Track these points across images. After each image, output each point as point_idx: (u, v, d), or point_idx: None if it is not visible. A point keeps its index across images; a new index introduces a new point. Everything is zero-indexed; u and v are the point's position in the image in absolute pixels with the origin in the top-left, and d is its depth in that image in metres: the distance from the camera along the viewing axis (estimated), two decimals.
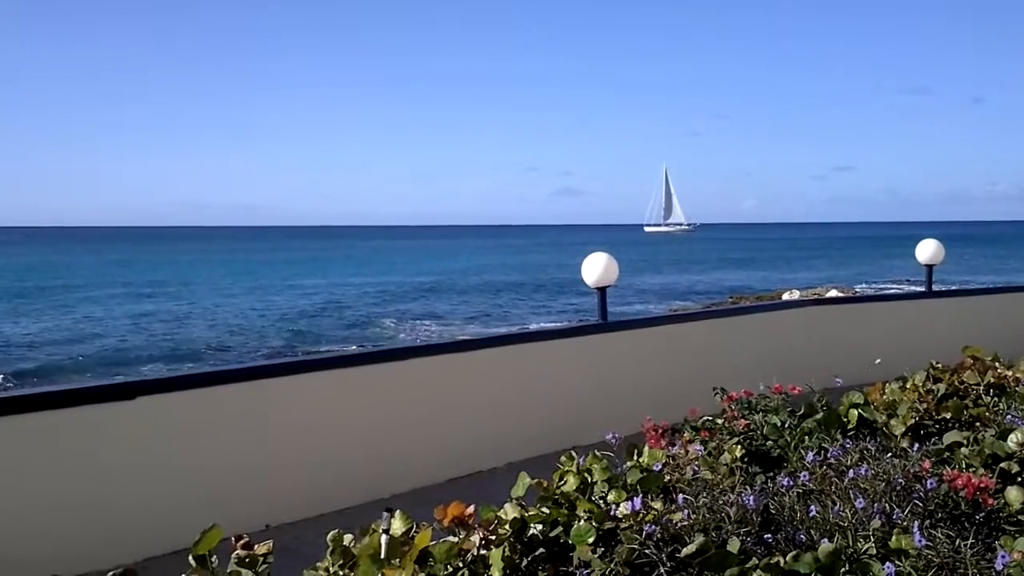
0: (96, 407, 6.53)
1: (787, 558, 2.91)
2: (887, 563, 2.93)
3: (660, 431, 4.47)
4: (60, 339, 39.14)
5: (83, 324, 44.68)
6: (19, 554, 5.93)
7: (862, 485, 3.53)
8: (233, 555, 2.87)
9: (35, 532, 6.15)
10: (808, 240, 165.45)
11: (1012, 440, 4.14)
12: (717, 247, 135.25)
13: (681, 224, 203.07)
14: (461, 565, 3.01)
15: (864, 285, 59.28)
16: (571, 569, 3.07)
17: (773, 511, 3.43)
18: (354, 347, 32.85)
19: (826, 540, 3.10)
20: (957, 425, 4.94)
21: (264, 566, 2.86)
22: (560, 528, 3.21)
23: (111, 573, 2.59)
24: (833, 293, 41.32)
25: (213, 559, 2.84)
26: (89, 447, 6.47)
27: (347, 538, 3.14)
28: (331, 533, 3.14)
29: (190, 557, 2.84)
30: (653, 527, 3.07)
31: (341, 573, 2.97)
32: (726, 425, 4.69)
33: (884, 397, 5.28)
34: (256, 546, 2.90)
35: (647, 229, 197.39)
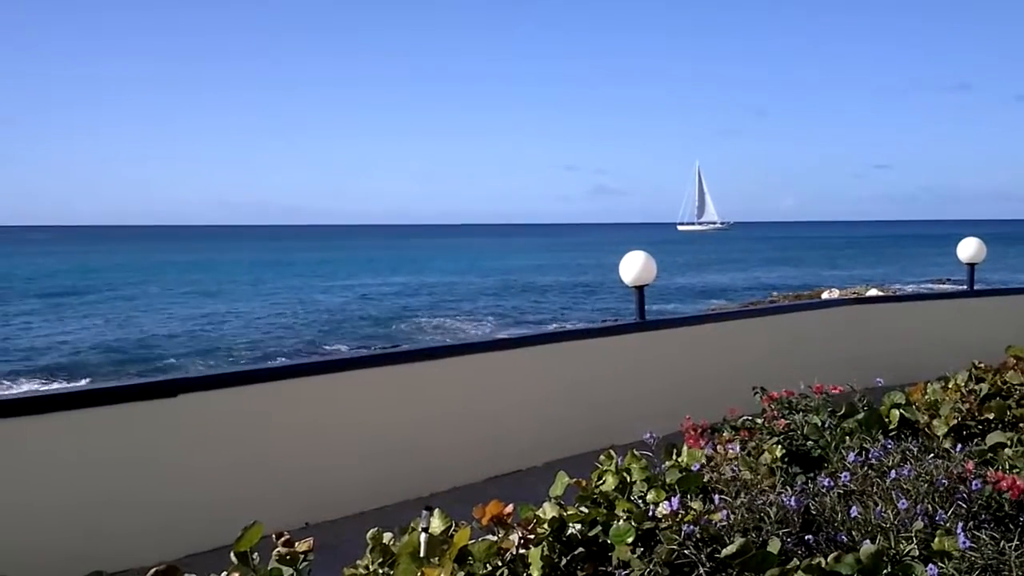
0: (139, 404, 6.59)
1: (828, 559, 2.89)
2: (930, 565, 2.90)
3: (699, 431, 4.45)
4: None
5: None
6: (63, 550, 6.00)
7: (904, 486, 3.50)
8: (274, 552, 2.89)
9: (79, 528, 6.22)
10: (847, 238, 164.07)
11: None
12: (754, 245, 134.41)
13: (715, 222, 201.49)
14: (500, 564, 3.01)
15: (904, 284, 58.72)
16: (610, 569, 3.06)
17: (814, 512, 3.40)
18: (393, 346, 32.96)
19: (868, 541, 3.07)
20: (1000, 426, 4.88)
21: (304, 563, 2.88)
22: (599, 528, 3.20)
23: (154, 569, 2.61)
24: (873, 292, 40.97)
25: (254, 556, 2.86)
26: (132, 444, 6.53)
27: (387, 536, 3.15)
28: (371, 531, 3.15)
29: (231, 554, 2.85)
30: (692, 527, 3.05)
31: (381, 571, 2.98)
32: (766, 425, 4.66)
33: (926, 397, 5.23)
34: (297, 543, 2.91)
35: (680, 228, 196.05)
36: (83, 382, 27.33)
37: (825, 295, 40.30)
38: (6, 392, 20.47)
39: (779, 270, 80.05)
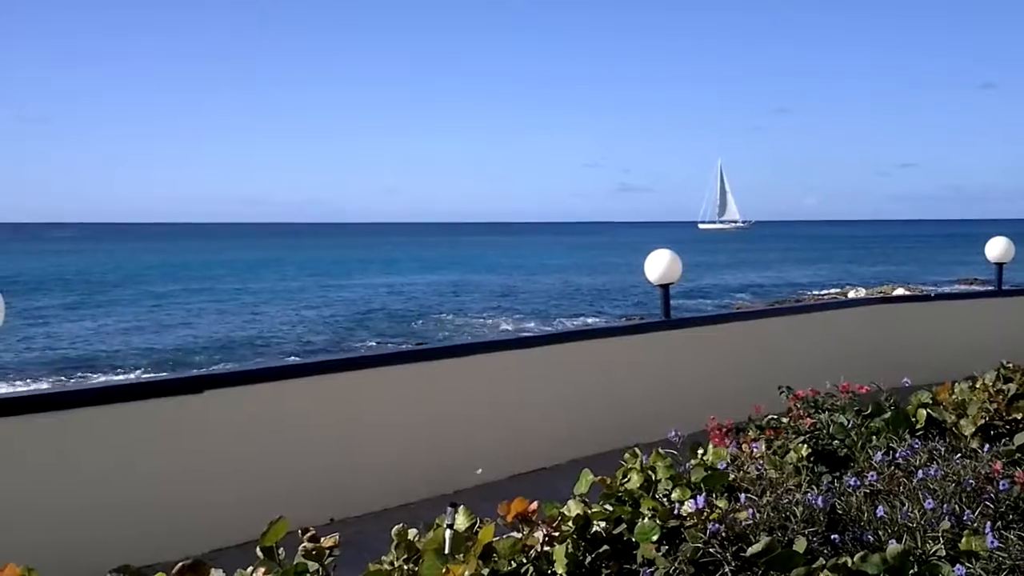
0: (165, 400, 6.63)
1: (855, 558, 2.88)
2: (957, 565, 2.89)
3: (724, 429, 4.44)
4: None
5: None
6: (90, 545, 6.04)
7: (931, 486, 3.48)
8: (300, 547, 2.90)
9: (106, 523, 6.26)
10: (872, 237, 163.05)
11: None
12: (778, 244, 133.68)
13: (736, 221, 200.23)
14: (525, 561, 3.02)
15: (931, 283, 58.36)
16: (635, 567, 3.06)
17: (840, 511, 3.39)
18: (418, 343, 33.07)
19: (894, 541, 3.06)
20: None
21: (330, 559, 2.89)
22: (624, 525, 3.20)
23: (180, 564, 2.63)
24: (899, 291, 40.74)
25: (280, 551, 2.87)
26: (158, 440, 6.57)
27: (412, 532, 3.16)
28: (396, 527, 3.16)
29: (257, 549, 2.87)
30: (718, 526, 3.05)
31: (406, 567, 2.98)
32: (792, 424, 4.64)
33: (953, 397, 5.19)
34: (322, 539, 2.92)
35: (701, 226, 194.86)
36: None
37: (851, 294, 40.13)
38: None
39: (804, 269, 79.67)
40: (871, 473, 3.69)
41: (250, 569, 2.80)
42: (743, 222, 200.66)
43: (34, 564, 2.54)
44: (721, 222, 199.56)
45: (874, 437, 4.45)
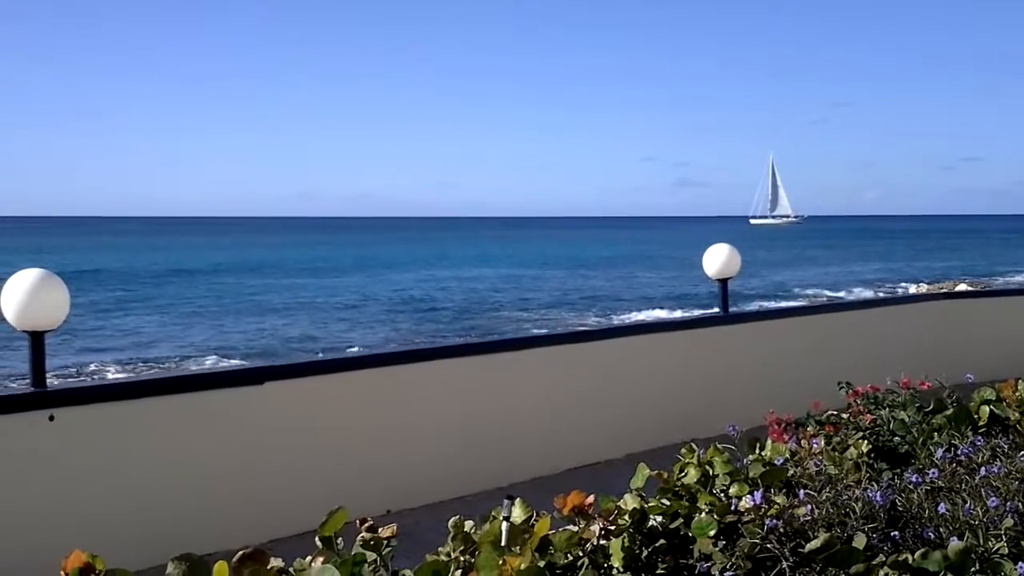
0: (226, 391, 6.72)
1: (915, 556, 2.84)
2: (1020, 563, 2.84)
3: (783, 425, 4.41)
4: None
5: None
6: (150, 533, 6.14)
7: (994, 483, 3.43)
8: (358, 537, 2.92)
9: (167, 511, 6.36)
10: (935, 232, 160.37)
11: None
12: (834, 239, 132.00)
13: (788, 216, 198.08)
14: (581, 554, 3.02)
15: (997, 279, 57.41)
16: (691, 561, 3.05)
17: (900, 508, 3.35)
18: (477, 336, 33.15)
19: (955, 539, 3.02)
20: None
21: (388, 549, 2.90)
22: (680, 520, 3.19)
23: (241, 552, 2.65)
24: (963, 287, 40.14)
25: (339, 541, 2.90)
26: (218, 431, 6.66)
27: (468, 524, 3.17)
28: (452, 519, 3.17)
29: (316, 538, 2.89)
30: (776, 521, 3.02)
31: (462, 559, 3.00)
32: (851, 420, 4.60)
33: (1017, 394, 5.11)
34: (380, 529, 2.94)
35: (753, 221, 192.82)
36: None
37: (912, 290, 39.61)
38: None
39: (863, 264, 78.70)
40: (932, 470, 3.64)
41: (308, 558, 2.83)
42: (795, 217, 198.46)
43: (97, 551, 2.58)
44: (773, 217, 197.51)
45: (935, 434, 4.40)
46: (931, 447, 4.14)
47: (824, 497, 3.35)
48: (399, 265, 78.34)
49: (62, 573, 2.53)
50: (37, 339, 6.26)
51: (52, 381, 6.86)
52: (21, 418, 6.12)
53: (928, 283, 48.11)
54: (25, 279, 6.13)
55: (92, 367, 29.30)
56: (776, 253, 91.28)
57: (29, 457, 6.10)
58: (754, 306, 41.20)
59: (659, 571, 3.06)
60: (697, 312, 32.83)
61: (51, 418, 6.11)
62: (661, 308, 46.45)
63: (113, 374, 27.14)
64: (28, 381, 6.35)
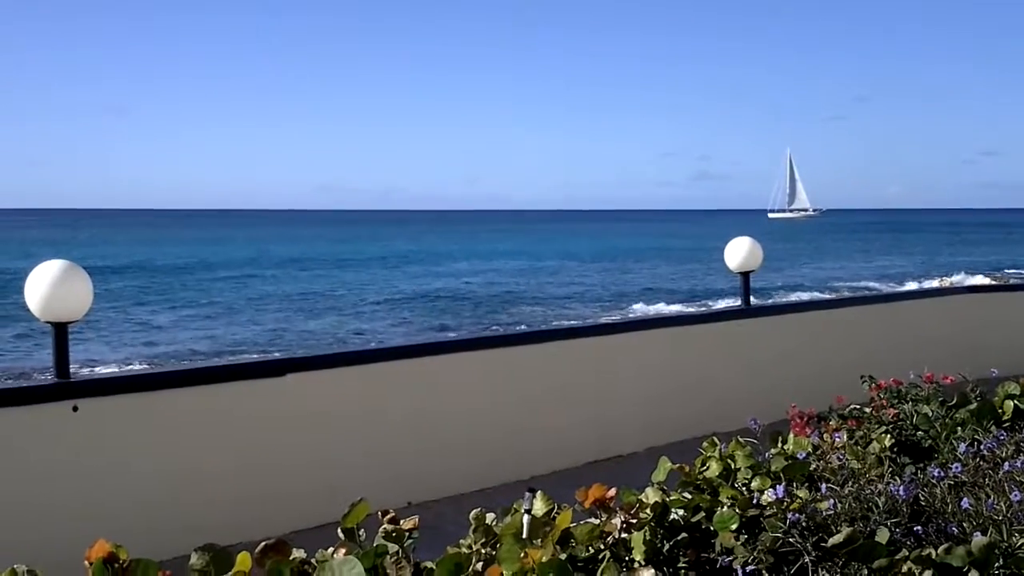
0: (247, 383, 6.75)
1: (939, 551, 2.83)
2: None
3: (805, 419, 4.39)
4: None
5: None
6: (172, 524, 6.17)
7: (1017, 478, 3.42)
8: (380, 529, 2.93)
9: (189, 501, 6.40)
10: (956, 225, 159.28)
11: None
12: (854, 233, 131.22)
13: (806, 210, 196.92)
14: (602, 547, 3.02)
15: (1019, 273, 57.03)
16: (713, 555, 3.05)
17: (923, 502, 3.34)
18: (497, 329, 33.14)
19: (979, 533, 3.00)
20: None
21: (409, 541, 2.91)
22: (702, 514, 3.18)
23: (263, 544, 2.67)
24: (982, 280, 39.91)
25: (360, 532, 2.90)
26: (239, 422, 6.69)
27: (489, 517, 3.17)
28: (474, 511, 3.18)
29: (339, 530, 2.90)
30: (797, 515, 3.02)
31: (484, 551, 3.00)
32: (874, 414, 4.58)
33: None
34: (402, 521, 2.95)
35: (771, 215, 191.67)
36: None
37: (935, 283, 39.41)
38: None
39: (883, 258, 78.29)
40: (956, 464, 3.63)
41: (331, 550, 2.84)
42: (813, 210, 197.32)
43: (121, 541, 2.60)
44: (790, 210, 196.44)
45: (959, 428, 4.38)
46: (954, 441, 4.12)
47: (847, 491, 3.34)
48: (421, 258, 78.42)
49: (86, 562, 2.54)
50: (61, 330, 6.30)
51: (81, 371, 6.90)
52: (45, 409, 6.16)
53: (948, 277, 47.83)
54: (49, 271, 6.17)
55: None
56: (793, 246, 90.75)
57: (53, 447, 6.15)
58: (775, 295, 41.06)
59: (680, 565, 3.06)
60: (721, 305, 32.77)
61: (75, 409, 6.16)
62: (680, 301, 46.39)
63: (138, 366, 27.31)
64: (53, 372, 6.39)
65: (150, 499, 6.32)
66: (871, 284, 52.08)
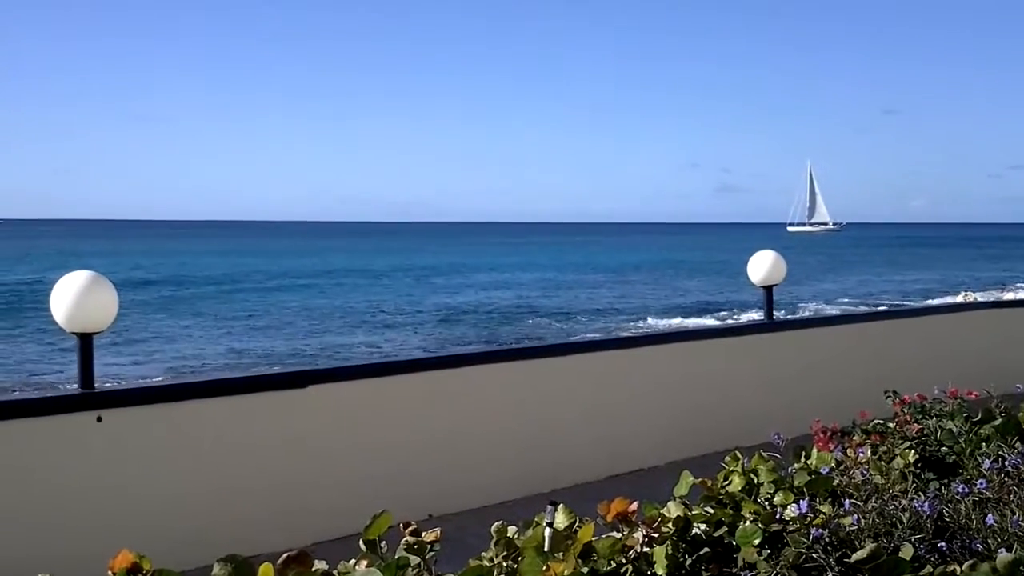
0: (269, 394, 6.77)
1: (963, 567, 2.81)
2: None
3: (828, 433, 4.37)
4: None
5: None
6: (194, 534, 6.20)
7: None
8: (402, 541, 2.93)
9: (211, 513, 6.42)
10: (981, 240, 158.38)
11: None
12: (875, 247, 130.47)
13: (826, 224, 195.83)
14: (624, 561, 3.01)
15: None
16: (735, 570, 3.03)
17: (947, 518, 3.32)
18: (518, 342, 33.13)
19: (1004, 550, 2.98)
20: None
21: (431, 553, 2.91)
22: (725, 528, 3.17)
23: (286, 555, 2.67)
24: (1009, 296, 39.66)
25: (382, 544, 2.91)
26: (261, 434, 6.71)
27: (511, 530, 3.17)
28: (495, 524, 3.18)
29: (360, 541, 2.91)
30: (821, 531, 3.00)
31: (505, 564, 3.00)
32: (898, 429, 4.56)
33: None
34: (424, 534, 2.95)
35: (790, 229, 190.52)
36: None
37: (960, 298, 39.17)
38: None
39: (904, 273, 77.86)
40: (980, 480, 3.60)
41: (352, 561, 2.84)
42: (833, 224, 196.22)
43: (144, 551, 2.61)
44: (810, 224, 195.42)
45: (983, 444, 4.34)
46: (979, 457, 4.09)
47: (870, 507, 3.32)
48: (442, 271, 78.51)
49: (110, 572, 2.56)
50: (86, 341, 6.34)
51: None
52: (70, 419, 6.20)
53: (975, 292, 47.49)
54: (74, 281, 6.21)
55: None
56: (813, 259, 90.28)
57: (77, 457, 6.18)
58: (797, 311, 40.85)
59: None
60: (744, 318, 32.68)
61: (99, 419, 6.20)
62: (702, 315, 46.30)
63: (161, 377, 27.46)
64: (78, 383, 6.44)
65: (173, 509, 6.35)
66: (892, 300, 51.83)
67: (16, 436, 6.03)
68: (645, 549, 3.06)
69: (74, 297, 6.17)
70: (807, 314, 37.67)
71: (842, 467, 3.89)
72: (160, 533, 6.08)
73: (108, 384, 7.33)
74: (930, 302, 41.19)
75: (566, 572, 2.73)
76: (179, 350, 35.06)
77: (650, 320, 44.85)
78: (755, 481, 3.62)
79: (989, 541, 3.15)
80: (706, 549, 3.12)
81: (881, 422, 4.74)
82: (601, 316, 47.10)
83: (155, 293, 56.54)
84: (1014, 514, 3.24)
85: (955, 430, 4.50)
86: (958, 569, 2.81)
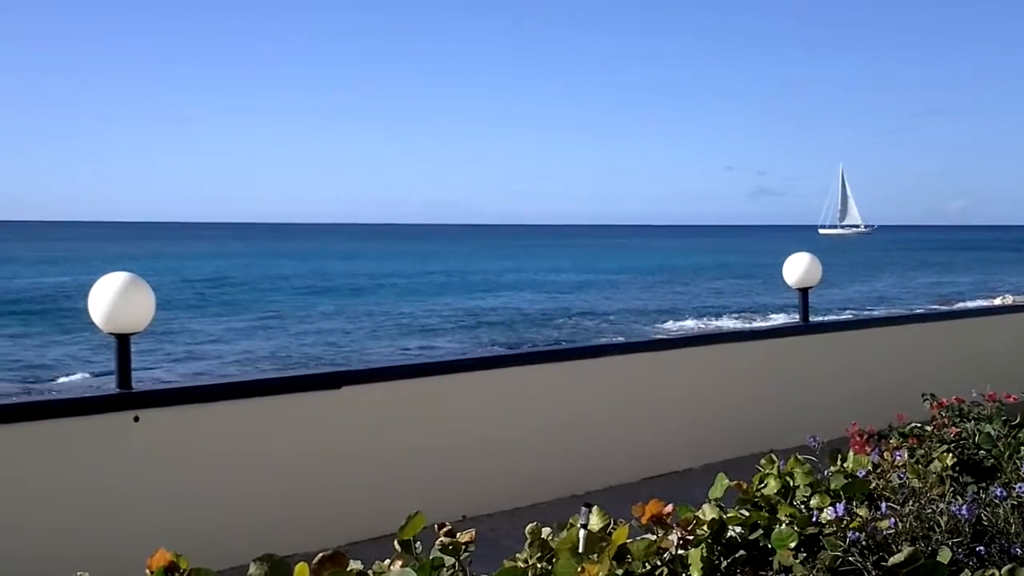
0: (303, 396, 6.80)
1: (1002, 571, 2.79)
2: None
3: (865, 436, 4.35)
4: None
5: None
6: (230, 533, 6.23)
7: None
8: (437, 542, 2.94)
9: (246, 512, 6.46)
10: (1020, 243, 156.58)
11: None
12: (907, 250, 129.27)
13: (857, 226, 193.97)
14: (659, 563, 3.00)
15: None
16: (771, 573, 3.02)
17: (985, 522, 3.29)
18: (552, 344, 33.10)
19: None
20: None
21: (466, 554, 2.91)
22: (760, 531, 3.16)
23: (321, 555, 2.68)
24: None
25: (417, 545, 2.91)
26: (295, 435, 6.75)
27: (545, 531, 3.17)
28: (529, 526, 3.17)
29: (395, 542, 2.91)
30: (858, 534, 2.98)
31: (539, 565, 3.00)
32: (935, 432, 4.52)
33: None
34: (458, 534, 2.96)
35: (821, 231, 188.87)
36: None
37: (998, 301, 38.79)
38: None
39: (944, 275, 77.16)
40: (1019, 484, 3.57)
41: (387, 562, 2.85)
42: (865, 227, 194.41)
43: (180, 550, 2.63)
44: (842, 227, 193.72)
45: (1022, 447, 4.31)
46: (1017, 461, 4.06)
47: (907, 510, 3.29)
48: (473, 273, 78.53)
49: (147, 571, 2.57)
50: (123, 341, 6.39)
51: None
52: (107, 419, 6.26)
53: (1014, 295, 46.98)
54: (112, 283, 6.27)
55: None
56: (840, 261, 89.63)
57: (115, 457, 6.23)
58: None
59: None
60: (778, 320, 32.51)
61: (136, 419, 6.25)
62: (736, 315, 46.10)
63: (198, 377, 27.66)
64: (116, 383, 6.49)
65: (208, 509, 6.39)
66: (923, 303, 51.37)
67: (55, 436, 6.09)
68: (680, 552, 3.05)
69: (112, 298, 6.23)
70: (844, 317, 37.45)
71: (879, 470, 3.87)
72: (196, 532, 6.12)
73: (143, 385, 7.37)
74: (962, 305, 40.84)
75: (601, 574, 2.72)
76: (216, 351, 35.29)
77: (683, 322, 44.72)
78: (791, 484, 3.60)
79: None
80: (741, 552, 3.11)
81: (918, 425, 4.71)
82: (636, 317, 46.98)
83: (193, 292, 57.02)
84: None
85: (993, 433, 4.46)
86: (996, 573, 2.78)
